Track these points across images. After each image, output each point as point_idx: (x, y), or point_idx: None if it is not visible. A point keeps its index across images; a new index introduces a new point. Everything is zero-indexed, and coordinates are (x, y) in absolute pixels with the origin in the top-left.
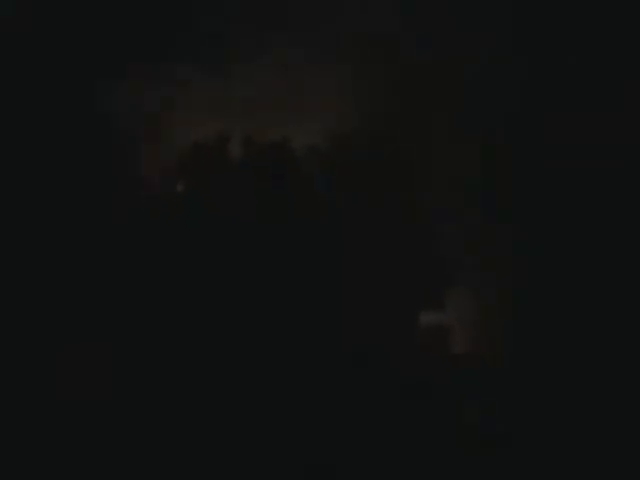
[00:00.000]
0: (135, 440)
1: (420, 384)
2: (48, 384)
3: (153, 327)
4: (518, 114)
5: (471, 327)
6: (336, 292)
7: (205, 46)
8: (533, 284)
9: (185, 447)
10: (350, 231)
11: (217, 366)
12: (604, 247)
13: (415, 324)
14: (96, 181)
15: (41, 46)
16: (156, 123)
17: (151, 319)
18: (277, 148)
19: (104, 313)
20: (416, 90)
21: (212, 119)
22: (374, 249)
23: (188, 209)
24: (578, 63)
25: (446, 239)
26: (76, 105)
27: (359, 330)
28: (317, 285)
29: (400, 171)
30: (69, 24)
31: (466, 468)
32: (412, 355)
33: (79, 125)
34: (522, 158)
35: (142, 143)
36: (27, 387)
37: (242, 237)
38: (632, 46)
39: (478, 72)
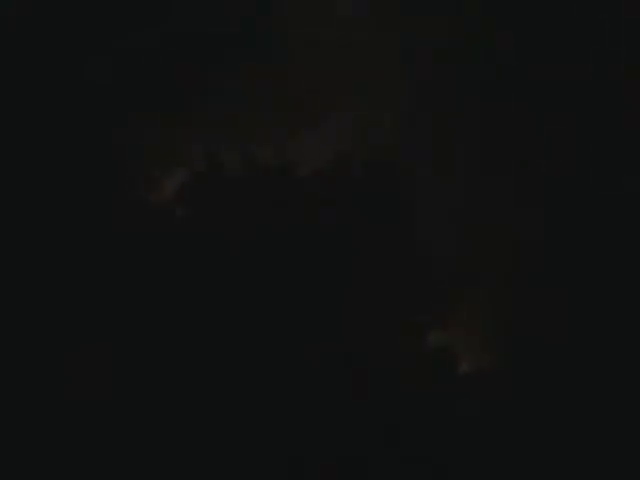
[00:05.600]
0: (135, 439)
1: (425, 403)
2: (54, 384)
3: (154, 334)
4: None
5: (477, 347)
6: (339, 314)
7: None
8: (542, 300)
9: (184, 446)
10: (353, 254)
11: (217, 368)
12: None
13: (420, 344)
14: (99, 190)
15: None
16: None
17: (154, 329)
18: (281, 171)
19: (105, 316)
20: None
21: (210, 140)
22: (378, 272)
23: (189, 234)
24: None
25: (452, 258)
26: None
27: (362, 347)
28: (319, 306)
29: (404, 192)
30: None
31: None
32: (416, 375)
33: (81, 137)
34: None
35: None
36: (34, 387)
37: (244, 259)
38: None
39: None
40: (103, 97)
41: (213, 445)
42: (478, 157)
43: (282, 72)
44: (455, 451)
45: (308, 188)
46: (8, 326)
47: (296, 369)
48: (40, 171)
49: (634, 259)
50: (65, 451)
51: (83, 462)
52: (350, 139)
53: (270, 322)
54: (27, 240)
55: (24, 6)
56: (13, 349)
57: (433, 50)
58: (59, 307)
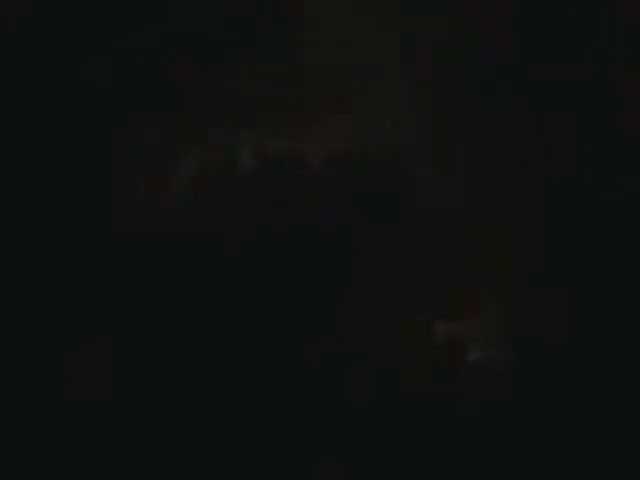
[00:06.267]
0: (135, 440)
1: (433, 395)
2: (54, 384)
3: (154, 334)
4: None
5: (488, 338)
6: (346, 303)
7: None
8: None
9: (184, 446)
10: (353, 254)
11: (217, 367)
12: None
13: (430, 335)
14: (99, 189)
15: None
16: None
17: (154, 329)
18: (292, 159)
19: (105, 316)
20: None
21: (220, 128)
22: (378, 271)
23: (189, 235)
24: None
25: (464, 247)
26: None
27: (362, 347)
28: (325, 297)
29: (404, 192)
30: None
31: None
32: (425, 367)
33: (80, 134)
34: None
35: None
36: (34, 387)
37: (252, 251)
38: None
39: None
40: (103, 97)
41: (213, 445)
42: (478, 157)
43: (282, 72)
44: (455, 451)
45: (308, 188)
46: (8, 326)
47: (296, 369)
48: (40, 171)
49: (634, 259)
50: (65, 451)
51: (83, 462)
52: (350, 139)
53: (270, 322)
54: (27, 240)
55: (24, 6)
56: (13, 349)
57: (433, 50)
58: (59, 307)
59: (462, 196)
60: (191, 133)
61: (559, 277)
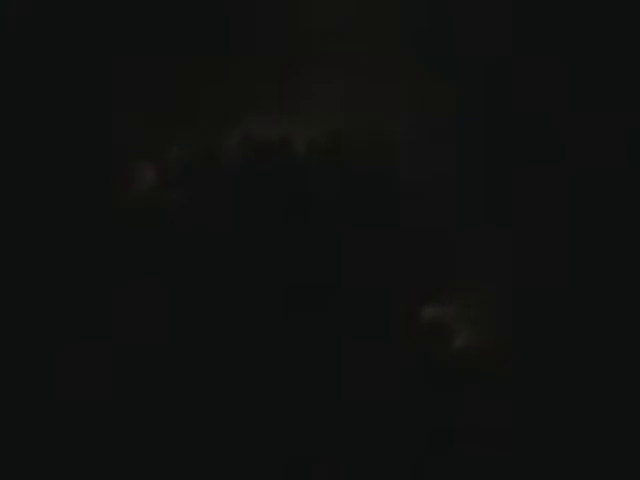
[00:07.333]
0: (134, 440)
1: (420, 378)
2: (48, 384)
3: (153, 330)
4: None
5: (473, 321)
6: (334, 288)
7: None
8: (537, 279)
9: (184, 446)
10: (348, 228)
11: (216, 367)
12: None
13: (416, 318)
14: (93, 185)
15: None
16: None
17: (152, 322)
18: (277, 149)
19: (104, 314)
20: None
21: (208, 119)
22: (373, 245)
23: (185, 216)
24: None
25: (447, 232)
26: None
27: (357, 323)
28: (314, 283)
29: (398, 167)
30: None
31: (464, 465)
32: (412, 349)
33: (76, 132)
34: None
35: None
36: (27, 387)
37: (241, 242)
38: None
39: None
40: (103, 96)
41: (213, 445)
42: (478, 156)
43: (281, 70)
44: (455, 450)
45: (298, 178)
46: (6, 326)
47: (295, 369)
48: (39, 170)
49: (634, 258)
50: (64, 451)
51: (82, 462)
52: (349, 137)
53: (264, 318)
54: (26, 239)
55: (24, 6)
56: (11, 349)
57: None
58: (59, 306)
59: (454, 183)
60: (185, 126)
61: (559, 276)
